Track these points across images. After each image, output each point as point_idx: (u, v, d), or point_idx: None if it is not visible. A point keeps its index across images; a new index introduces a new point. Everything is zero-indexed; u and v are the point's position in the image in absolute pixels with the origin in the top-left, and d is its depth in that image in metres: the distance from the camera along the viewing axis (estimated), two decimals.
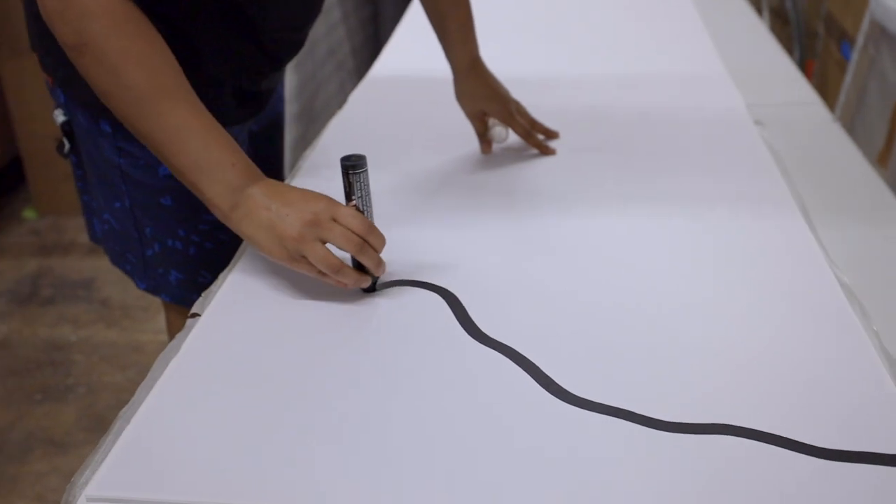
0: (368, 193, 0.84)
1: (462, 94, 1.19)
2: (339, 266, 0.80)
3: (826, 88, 2.34)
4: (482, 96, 1.18)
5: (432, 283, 0.88)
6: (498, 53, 1.30)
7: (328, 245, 0.80)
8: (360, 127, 1.30)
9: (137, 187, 1.04)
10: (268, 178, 0.84)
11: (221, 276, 0.89)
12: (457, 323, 0.81)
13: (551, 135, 1.24)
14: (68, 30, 0.80)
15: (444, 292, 0.86)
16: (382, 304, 0.84)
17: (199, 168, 0.81)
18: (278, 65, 1.07)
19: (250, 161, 0.84)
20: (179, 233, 1.07)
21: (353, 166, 0.82)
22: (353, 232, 0.80)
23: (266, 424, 0.69)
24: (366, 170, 0.83)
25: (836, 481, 0.62)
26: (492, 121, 1.20)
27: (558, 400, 0.71)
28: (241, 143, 1.12)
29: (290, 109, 2.05)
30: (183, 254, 1.08)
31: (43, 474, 1.75)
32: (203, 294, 0.85)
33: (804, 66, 2.52)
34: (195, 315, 0.82)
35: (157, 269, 1.09)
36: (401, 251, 0.93)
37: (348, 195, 0.83)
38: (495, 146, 1.21)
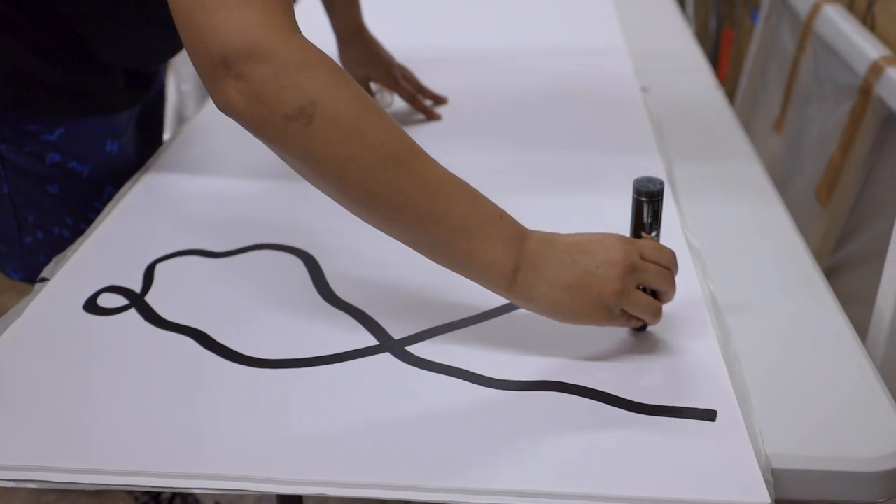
0: (661, 222, 0.73)
1: (346, 60, 1.19)
2: (660, 310, 0.70)
3: (741, 56, 2.37)
4: (366, 62, 1.18)
5: (294, 245, 0.88)
6: (389, 26, 1.30)
7: None
8: None
9: (20, 174, 0.97)
10: (527, 227, 0.69)
11: (78, 241, 0.88)
12: (312, 285, 0.82)
13: (439, 100, 1.25)
14: (289, 94, 0.62)
15: (303, 255, 0.87)
16: (245, 262, 0.85)
17: (469, 231, 0.66)
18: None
19: (506, 210, 0.69)
20: (67, 221, 1.01)
21: (657, 192, 0.71)
22: (663, 266, 0.69)
23: (104, 393, 0.69)
24: (663, 196, 0.72)
25: (651, 433, 0.64)
26: (377, 86, 1.20)
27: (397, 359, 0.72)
28: (131, 122, 1.08)
29: None
30: (71, 241, 0.98)
31: None
32: (55, 259, 0.85)
33: (721, 34, 2.55)
34: (44, 280, 0.81)
35: (39, 256, 1.01)
36: (267, 214, 0.94)
37: (648, 225, 0.72)
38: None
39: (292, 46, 0.63)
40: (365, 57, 1.19)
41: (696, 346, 0.73)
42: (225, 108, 0.64)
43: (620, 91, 1.28)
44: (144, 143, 1.15)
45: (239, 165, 1.05)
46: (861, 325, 0.82)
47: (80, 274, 0.83)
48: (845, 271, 1.32)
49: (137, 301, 0.79)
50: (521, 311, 0.75)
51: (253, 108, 0.62)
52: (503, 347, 0.73)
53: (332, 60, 0.65)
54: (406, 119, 1.20)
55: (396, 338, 0.75)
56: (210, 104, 1.23)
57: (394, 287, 0.81)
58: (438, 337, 0.75)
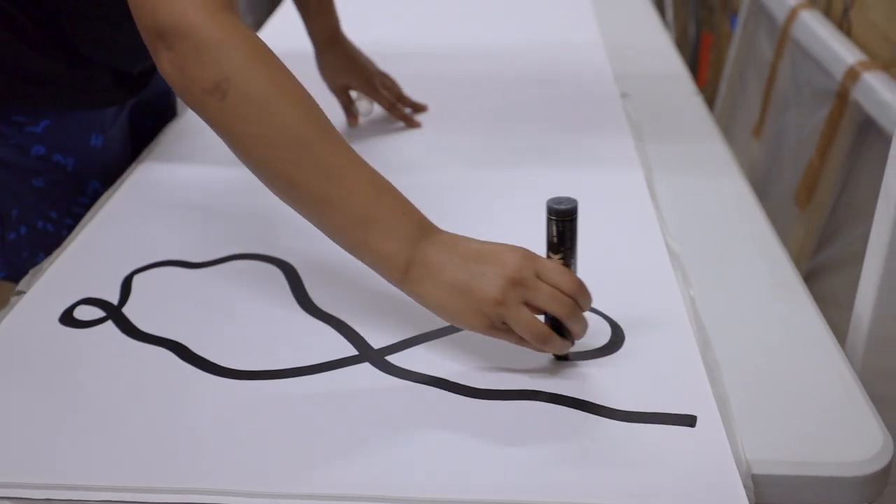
0: (575, 245, 0.70)
1: (324, 68, 1.19)
2: (547, 335, 0.67)
3: (721, 61, 2.39)
4: (343, 69, 1.18)
5: (273, 255, 0.88)
6: (367, 24, 1.29)
7: None
8: None
9: (5, 168, 0.99)
10: (440, 228, 0.71)
11: (55, 253, 0.87)
12: (291, 295, 0.82)
13: (419, 108, 1.24)
14: (207, 70, 0.68)
15: (282, 264, 0.86)
16: (223, 273, 0.84)
17: (367, 220, 0.68)
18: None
19: (417, 209, 0.72)
20: (52, 215, 1.03)
21: (565, 212, 0.68)
22: (563, 291, 0.67)
23: (81, 407, 0.68)
24: (576, 217, 0.69)
25: (631, 440, 0.64)
26: (356, 94, 1.20)
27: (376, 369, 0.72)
28: (122, 119, 1.10)
29: None
30: (55, 236, 1.02)
31: None
32: (31, 271, 0.84)
33: (701, 39, 2.57)
34: (20, 293, 0.80)
35: (22, 253, 1.04)
36: (246, 223, 0.93)
37: (555, 246, 0.69)
38: (362, 119, 1.21)
39: (216, 25, 0.68)
40: (341, 64, 1.18)
41: (675, 351, 0.73)
42: (162, 74, 0.71)
43: (600, 97, 1.28)
44: (146, 143, 1.17)
45: (217, 175, 1.05)
46: (840, 329, 0.82)
47: (57, 286, 0.82)
48: (824, 275, 1.33)
49: (114, 313, 0.79)
50: None
51: (179, 78, 0.70)
52: (483, 356, 0.73)
53: (259, 42, 0.70)
54: (388, 127, 1.20)
55: (376, 347, 0.74)
56: (185, 116, 1.22)
57: (373, 296, 0.81)
58: (418, 346, 0.74)
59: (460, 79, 1.36)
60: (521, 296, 0.66)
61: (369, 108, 1.21)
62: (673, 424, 0.65)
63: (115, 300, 0.80)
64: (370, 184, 0.70)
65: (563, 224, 0.68)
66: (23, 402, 0.68)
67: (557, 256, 0.69)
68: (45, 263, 0.85)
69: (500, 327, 0.67)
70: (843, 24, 1.45)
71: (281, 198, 0.71)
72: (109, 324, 0.77)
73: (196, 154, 1.10)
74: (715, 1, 2.54)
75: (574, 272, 0.70)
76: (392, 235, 0.68)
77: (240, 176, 1.01)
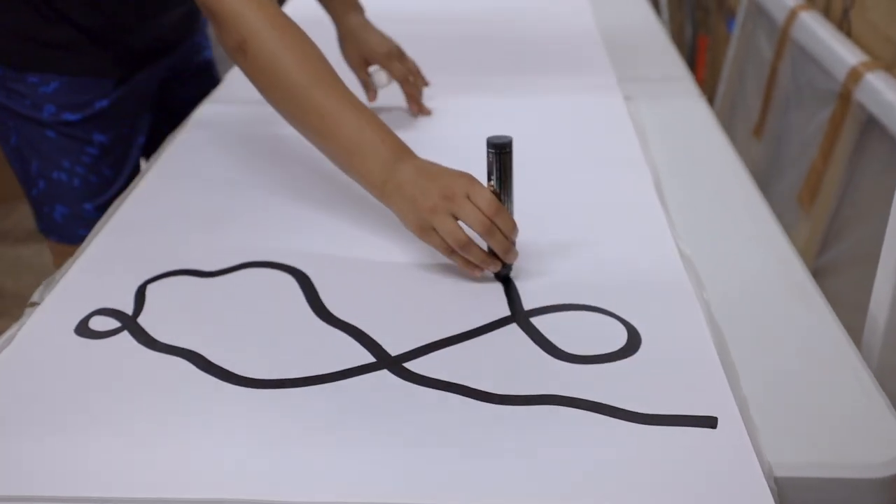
0: (509, 177, 0.82)
1: (341, 42, 1.21)
2: (465, 242, 0.80)
3: (717, 63, 2.39)
4: (358, 39, 1.20)
5: (286, 263, 0.88)
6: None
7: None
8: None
9: (24, 122, 1.13)
10: (417, 156, 0.85)
11: (67, 263, 0.87)
12: (306, 303, 0.82)
13: (423, 111, 1.24)
14: (231, 34, 0.87)
15: (295, 272, 0.86)
16: (237, 281, 0.84)
17: (351, 148, 0.85)
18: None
19: (399, 138, 0.87)
20: (64, 164, 1.15)
21: (496, 146, 0.80)
22: (483, 213, 0.79)
23: (99, 419, 0.68)
24: (510, 152, 0.81)
25: (653, 443, 0.64)
26: (373, 67, 1.21)
27: (394, 375, 0.72)
28: (133, 87, 1.20)
29: None
30: (67, 185, 1.16)
31: None
32: (44, 282, 0.83)
33: (697, 41, 2.57)
34: (34, 304, 0.80)
35: (44, 208, 1.18)
36: (258, 231, 0.93)
37: (488, 174, 0.81)
38: (380, 92, 1.21)
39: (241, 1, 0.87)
40: (357, 35, 1.20)
41: (693, 353, 0.73)
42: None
43: (604, 101, 1.28)
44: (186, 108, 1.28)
45: (228, 182, 1.04)
46: (847, 328, 0.83)
47: (71, 297, 0.82)
48: (829, 275, 1.34)
49: (129, 323, 0.78)
50: (516, 326, 0.76)
51: (220, 42, 0.89)
52: (501, 362, 0.73)
53: (273, 9, 0.87)
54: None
55: (393, 354, 0.74)
56: (197, 116, 1.22)
57: (389, 303, 0.81)
58: (436, 353, 0.74)
59: (457, 87, 1.36)
60: (449, 209, 0.79)
61: (385, 80, 1.21)
62: (694, 426, 0.65)
63: (129, 310, 0.80)
64: (356, 119, 0.85)
65: (497, 156, 0.80)
66: (40, 413, 0.68)
67: (490, 183, 0.81)
68: (56, 274, 0.85)
69: (431, 232, 0.80)
70: (843, 25, 1.46)
71: (299, 132, 0.88)
72: (125, 334, 0.77)
73: (204, 163, 1.10)
74: (711, 3, 2.55)
75: (507, 201, 0.82)
76: (371, 160, 0.84)
77: (249, 183, 1.02)
